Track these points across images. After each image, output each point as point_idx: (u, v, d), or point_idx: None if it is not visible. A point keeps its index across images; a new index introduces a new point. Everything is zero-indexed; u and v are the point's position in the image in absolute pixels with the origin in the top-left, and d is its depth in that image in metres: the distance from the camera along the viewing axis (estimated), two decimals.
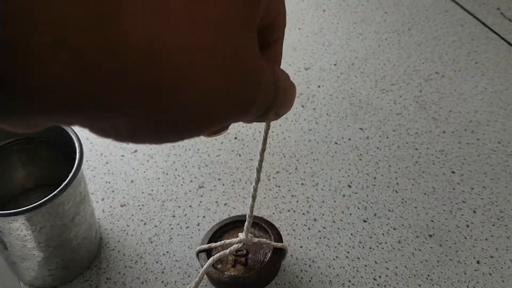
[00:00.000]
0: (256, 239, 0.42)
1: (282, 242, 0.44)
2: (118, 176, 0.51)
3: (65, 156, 0.38)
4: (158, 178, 0.51)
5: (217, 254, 0.41)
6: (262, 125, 0.58)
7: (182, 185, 0.51)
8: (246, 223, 0.41)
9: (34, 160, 0.41)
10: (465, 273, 0.47)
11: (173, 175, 0.52)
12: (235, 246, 0.42)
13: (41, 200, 0.33)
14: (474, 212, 0.51)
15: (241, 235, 0.41)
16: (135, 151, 0.53)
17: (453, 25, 0.73)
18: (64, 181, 0.34)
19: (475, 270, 0.47)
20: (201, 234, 0.47)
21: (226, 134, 0.56)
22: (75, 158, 0.37)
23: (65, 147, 0.38)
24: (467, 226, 0.50)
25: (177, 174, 0.52)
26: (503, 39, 0.71)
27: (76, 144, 0.36)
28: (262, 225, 0.45)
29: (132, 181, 0.51)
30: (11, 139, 0.38)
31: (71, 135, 0.36)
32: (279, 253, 0.43)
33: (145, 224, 0.48)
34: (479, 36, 0.71)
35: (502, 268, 0.47)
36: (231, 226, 0.46)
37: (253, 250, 0.43)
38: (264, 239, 0.43)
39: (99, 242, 0.45)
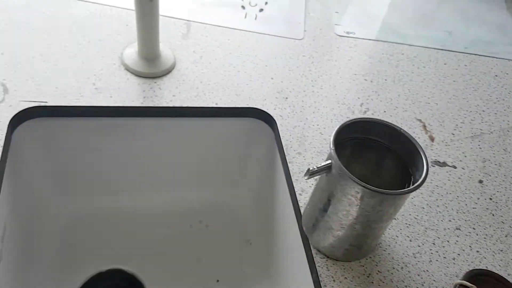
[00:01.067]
0: None
1: None
2: None
3: (401, 167, 0.47)
4: (423, 208, 0.58)
5: None
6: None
7: (442, 221, 0.58)
8: None
9: (367, 157, 0.51)
10: None
11: (435, 210, 0.59)
12: None
13: (401, 190, 0.42)
14: None
15: None
16: None
17: None
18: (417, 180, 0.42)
19: None
20: (455, 268, 0.53)
21: (482, 193, 0.62)
22: (400, 167, 0.46)
23: (406, 160, 0.47)
24: None
25: (438, 210, 0.59)
26: None
27: (423, 159, 0.44)
28: None
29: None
30: (373, 137, 0.49)
31: (419, 151, 0.45)
32: None
33: (410, 240, 0.55)
34: None
35: None
36: (486, 278, 0.51)
37: None
38: None
39: (380, 239, 0.53)
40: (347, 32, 0.82)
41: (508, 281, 0.51)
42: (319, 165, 0.45)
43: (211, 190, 0.78)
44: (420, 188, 0.61)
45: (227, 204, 0.79)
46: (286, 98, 0.69)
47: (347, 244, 0.49)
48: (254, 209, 0.76)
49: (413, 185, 0.45)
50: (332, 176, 0.45)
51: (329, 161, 0.45)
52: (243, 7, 0.83)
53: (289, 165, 0.60)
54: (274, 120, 0.66)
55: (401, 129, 0.47)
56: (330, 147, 0.45)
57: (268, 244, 0.71)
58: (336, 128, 0.46)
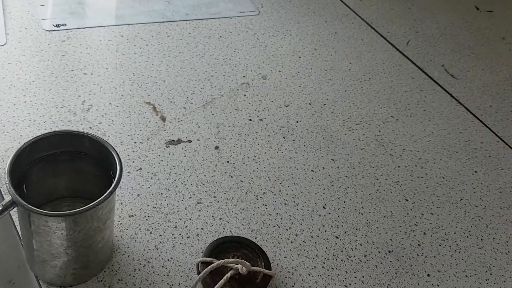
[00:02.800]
0: (252, 268, 0.50)
1: (271, 269, 0.52)
2: (126, 190, 0.57)
3: (102, 170, 0.44)
4: (161, 194, 0.58)
5: (214, 265, 0.48)
6: (253, 150, 0.66)
7: (182, 200, 0.58)
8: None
9: (69, 171, 0.47)
10: (418, 284, 0.56)
11: (174, 191, 0.59)
12: (233, 272, 0.49)
13: (90, 204, 0.39)
14: (424, 234, 0.62)
15: (241, 268, 0.48)
16: (140, 169, 0.60)
17: (405, 77, 0.86)
18: (104, 191, 0.40)
19: (426, 282, 0.57)
20: (200, 244, 0.54)
21: (219, 158, 0.64)
22: (105, 173, 0.44)
23: (102, 162, 0.44)
24: (419, 245, 0.60)
25: (177, 191, 0.59)
26: (446, 91, 0.85)
27: (116, 159, 0.42)
28: (255, 251, 0.53)
29: (138, 195, 0.57)
30: (60, 150, 0.44)
31: (111, 152, 0.43)
32: (268, 278, 0.51)
33: (151, 233, 0.54)
34: (427, 88, 0.85)
35: (447, 280, 0.57)
36: (228, 245, 0.53)
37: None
38: (258, 268, 0.50)
39: (112, 247, 0.50)
40: (57, 25, 0.74)
41: (247, 239, 0.54)
42: (4, 203, 0.39)
43: None
44: (157, 174, 0.60)
45: None
46: None
47: (71, 269, 0.45)
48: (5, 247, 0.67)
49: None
50: (20, 210, 0.40)
51: (10, 197, 0.39)
52: None
53: (4, 196, 0.53)
54: None
55: (88, 133, 0.44)
56: (5, 181, 0.39)
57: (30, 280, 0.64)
58: (10, 159, 0.40)
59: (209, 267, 0.47)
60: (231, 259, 0.49)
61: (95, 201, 0.39)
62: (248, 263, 0.49)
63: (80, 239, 0.42)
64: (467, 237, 0.63)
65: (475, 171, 0.72)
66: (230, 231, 0.56)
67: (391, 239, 0.60)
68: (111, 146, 0.43)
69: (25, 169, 0.43)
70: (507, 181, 0.71)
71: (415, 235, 0.61)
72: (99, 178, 0.46)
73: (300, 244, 0.57)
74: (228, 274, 0.49)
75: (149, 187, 0.58)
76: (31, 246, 0.43)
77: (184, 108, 0.69)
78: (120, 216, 0.54)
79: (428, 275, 0.58)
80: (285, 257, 0.55)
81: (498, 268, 0.60)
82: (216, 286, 0.48)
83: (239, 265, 0.49)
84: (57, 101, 0.64)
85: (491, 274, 0.59)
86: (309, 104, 0.76)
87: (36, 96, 0.64)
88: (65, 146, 0.44)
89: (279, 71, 0.80)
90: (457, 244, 0.61)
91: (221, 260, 0.49)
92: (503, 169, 0.73)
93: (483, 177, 0.71)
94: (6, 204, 0.39)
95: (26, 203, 0.38)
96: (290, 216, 0.60)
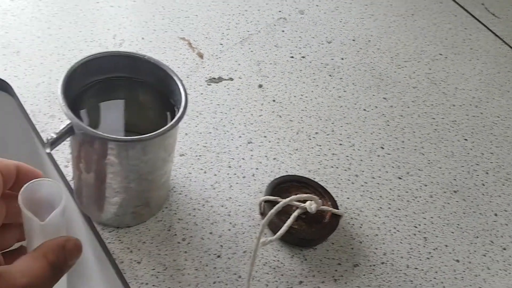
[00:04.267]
0: (322, 207, 0.45)
1: (338, 208, 0.47)
2: None
3: (159, 103, 0.39)
4: (210, 133, 0.53)
5: (281, 204, 0.43)
6: (298, 89, 0.61)
7: (232, 140, 0.53)
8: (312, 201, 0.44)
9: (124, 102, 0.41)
10: (487, 223, 0.53)
11: (222, 130, 0.53)
12: (300, 210, 0.45)
13: (160, 130, 0.34)
14: (487, 173, 0.58)
15: (309, 206, 0.44)
16: None
17: (448, 14, 0.80)
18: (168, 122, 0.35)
19: (494, 222, 0.53)
20: (257, 184, 0.49)
21: (265, 97, 0.59)
22: (161, 106, 0.39)
23: (162, 90, 0.39)
24: (483, 184, 0.57)
25: (226, 130, 0.54)
26: (490, 30, 0.80)
27: (179, 84, 0.37)
28: (319, 190, 0.48)
29: (186, 134, 0.52)
30: (115, 75, 0.38)
31: (176, 80, 0.37)
32: (337, 217, 0.47)
33: (205, 172, 0.49)
34: (470, 26, 0.79)
35: None
36: (289, 184, 0.48)
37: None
38: (326, 207, 0.46)
39: (169, 185, 0.46)
40: None
41: (308, 178, 0.50)
42: (58, 130, 0.34)
43: None
44: (202, 112, 0.55)
45: None
46: (18, 52, 0.54)
47: (132, 207, 0.40)
48: None
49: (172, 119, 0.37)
50: (77, 137, 0.35)
51: (68, 122, 0.34)
52: None
53: (41, 134, 0.48)
54: (7, 83, 0.51)
55: (145, 56, 0.39)
56: (60, 103, 0.34)
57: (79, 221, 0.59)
58: (61, 79, 0.35)
59: (281, 203, 0.43)
60: (300, 195, 0.45)
61: (166, 127, 0.34)
62: (320, 200, 0.45)
63: (146, 171, 0.37)
64: None
65: None
66: (286, 171, 0.52)
67: (455, 179, 0.56)
68: (171, 70, 0.38)
69: (74, 97, 0.37)
70: None
71: (478, 175, 0.57)
72: (154, 110, 0.41)
73: (362, 185, 0.53)
74: (296, 213, 0.45)
75: (196, 126, 0.53)
76: (86, 181, 0.38)
77: (221, 44, 0.63)
78: None
79: (496, 214, 0.54)
80: (348, 198, 0.51)
81: None
82: (285, 224, 0.43)
83: (307, 203, 0.45)
84: (85, 34, 0.58)
85: None
86: (353, 40, 0.70)
87: (61, 30, 0.58)
88: (120, 71, 0.39)
89: (317, 5, 0.74)
90: None
91: (289, 198, 0.44)
92: None
93: None
94: (63, 130, 0.33)
95: (90, 128, 0.32)
96: (347, 156, 0.55)
